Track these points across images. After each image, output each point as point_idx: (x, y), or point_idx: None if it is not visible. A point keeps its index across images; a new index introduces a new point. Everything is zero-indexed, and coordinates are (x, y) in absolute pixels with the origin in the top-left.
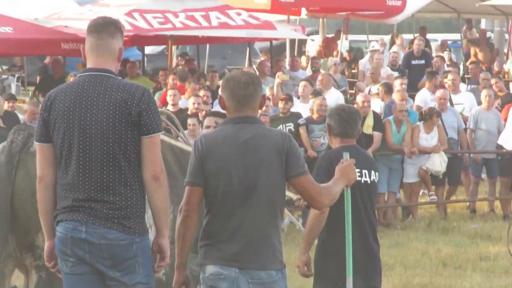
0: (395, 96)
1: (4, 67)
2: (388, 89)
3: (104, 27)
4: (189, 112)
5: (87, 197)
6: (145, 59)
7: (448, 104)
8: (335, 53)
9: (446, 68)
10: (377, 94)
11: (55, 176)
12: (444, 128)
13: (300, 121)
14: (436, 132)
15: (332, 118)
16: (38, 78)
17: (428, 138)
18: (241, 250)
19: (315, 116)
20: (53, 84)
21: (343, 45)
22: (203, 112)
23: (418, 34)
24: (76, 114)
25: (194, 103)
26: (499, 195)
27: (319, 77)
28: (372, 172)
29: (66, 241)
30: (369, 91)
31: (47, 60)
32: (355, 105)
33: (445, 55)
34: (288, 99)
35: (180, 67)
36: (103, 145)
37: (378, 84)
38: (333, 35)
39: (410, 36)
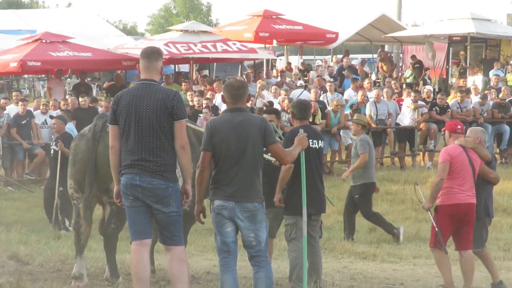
0: (328, 93)
1: (89, 79)
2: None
3: (151, 54)
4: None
5: (139, 158)
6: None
7: (382, 98)
8: (295, 66)
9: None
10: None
11: (120, 146)
12: (377, 113)
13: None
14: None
15: (294, 108)
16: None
17: None
18: (236, 190)
19: (286, 108)
20: (115, 89)
21: (299, 61)
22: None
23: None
24: (133, 107)
25: (196, 101)
26: (398, 154)
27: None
28: (320, 141)
29: (127, 186)
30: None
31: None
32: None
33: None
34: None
35: (199, 77)
36: (150, 126)
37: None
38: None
39: (340, 56)
